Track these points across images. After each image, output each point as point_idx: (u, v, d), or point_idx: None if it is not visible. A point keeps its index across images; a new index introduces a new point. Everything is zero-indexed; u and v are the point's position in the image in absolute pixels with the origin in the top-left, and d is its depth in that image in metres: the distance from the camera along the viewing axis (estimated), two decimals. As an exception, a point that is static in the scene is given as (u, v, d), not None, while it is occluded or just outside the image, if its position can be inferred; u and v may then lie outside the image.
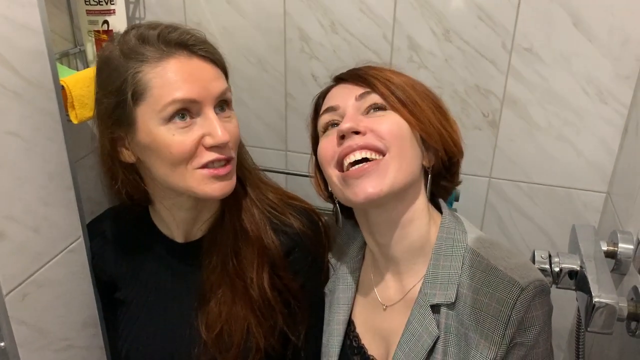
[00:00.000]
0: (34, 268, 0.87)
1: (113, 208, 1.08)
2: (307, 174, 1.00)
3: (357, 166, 0.80)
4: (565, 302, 1.19)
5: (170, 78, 0.82)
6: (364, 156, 0.80)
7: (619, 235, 0.98)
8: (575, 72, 1.10)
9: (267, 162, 1.32)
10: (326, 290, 0.99)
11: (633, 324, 0.86)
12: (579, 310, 1.13)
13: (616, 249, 0.97)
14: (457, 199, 1.14)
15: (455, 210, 1.00)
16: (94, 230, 1.02)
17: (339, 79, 0.91)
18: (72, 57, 1.20)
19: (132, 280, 1.01)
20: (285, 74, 1.28)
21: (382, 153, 0.80)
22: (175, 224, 0.98)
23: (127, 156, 0.89)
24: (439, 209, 0.90)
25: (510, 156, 1.20)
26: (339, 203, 0.91)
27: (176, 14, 1.28)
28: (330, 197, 0.93)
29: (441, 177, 0.91)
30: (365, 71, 0.87)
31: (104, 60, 0.86)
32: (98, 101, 0.88)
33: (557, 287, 0.99)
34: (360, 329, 0.93)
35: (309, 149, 0.98)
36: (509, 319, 0.74)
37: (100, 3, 1.12)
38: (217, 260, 0.94)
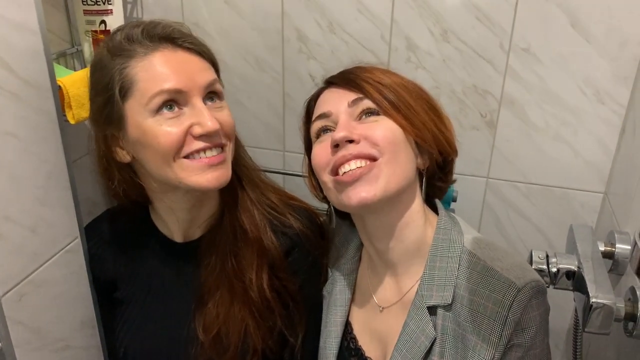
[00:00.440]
0: (31, 268, 0.87)
1: (111, 209, 1.08)
2: (305, 174, 1.00)
3: (350, 171, 0.80)
4: (562, 302, 1.19)
5: (156, 70, 0.82)
6: (358, 165, 0.80)
7: (616, 235, 0.98)
8: (572, 73, 1.10)
9: (264, 162, 1.31)
10: (324, 292, 0.99)
11: (630, 325, 0.86)
12: (576, 311, 1.13)
13: (613, 249, 0.98)
14: (454, 200, 1.14)
15: (453, 210, 1.00)
16: (92, 231, 1.02)
17: (330, 83, 0.90)
18: (69, 57, 1.20)
19: (131, 279, 1.01)
20: (283, 74, 1.27)
21: (376, 160, 0.80)
22: (174, 223, 0.98)
23: (122, 156, 0.89)
24: (434, 209, 0.90)
25: (507, 156, 1.20)
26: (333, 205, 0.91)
27: (174, 13, 1.28)
28: (324, 198, 0.93)
29: (435, 177, 0.90)
30: (356, 74, 0.86)
31: (95, 62, 0.88)
32: (91, 101, 0.89)
33: (554, 288, 0.99)
34: (357, 331, 0.93)
35: (306, 150, 0.97)
36: (506, 320, 0.74)
37: (98, 3, 1.12)
38: (216, 260, 0.94)
